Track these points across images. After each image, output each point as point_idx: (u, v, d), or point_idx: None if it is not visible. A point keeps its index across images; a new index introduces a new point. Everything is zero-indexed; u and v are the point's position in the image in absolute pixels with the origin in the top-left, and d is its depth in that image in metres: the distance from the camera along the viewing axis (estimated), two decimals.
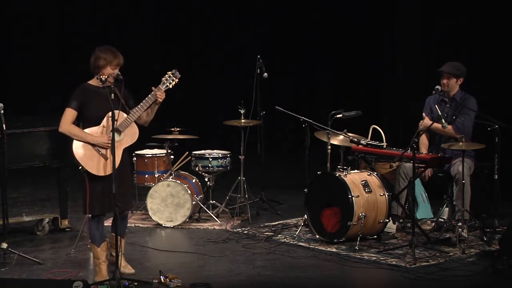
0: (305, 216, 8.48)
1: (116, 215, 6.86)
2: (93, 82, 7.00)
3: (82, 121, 7.01)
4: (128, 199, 7.14)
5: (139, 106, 6.95)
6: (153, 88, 6.97)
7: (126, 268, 7.20)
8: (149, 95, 6.96)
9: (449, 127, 8.29)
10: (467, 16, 10.65)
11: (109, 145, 6.85)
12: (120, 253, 6.95)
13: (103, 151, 6.93)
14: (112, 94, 6.81)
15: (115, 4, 13.70)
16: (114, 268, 6.87)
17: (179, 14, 13.80)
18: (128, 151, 7.14)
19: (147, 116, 7.05)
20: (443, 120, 8.14)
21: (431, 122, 8.29)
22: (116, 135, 6.85)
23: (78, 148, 6.93)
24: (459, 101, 8.48)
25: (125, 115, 6.94)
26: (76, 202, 8.89)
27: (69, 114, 6.93)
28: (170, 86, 7.01)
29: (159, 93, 6.95)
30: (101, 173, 6.92)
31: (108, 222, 8.68)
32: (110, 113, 6.83)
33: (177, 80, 7.03)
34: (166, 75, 7.03)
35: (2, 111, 7.56)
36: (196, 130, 9.70)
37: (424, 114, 8.53)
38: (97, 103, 6.92)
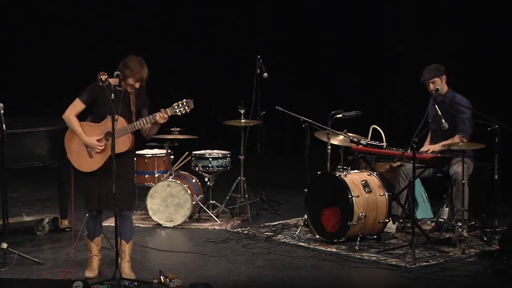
0: (305, 216, 8.48)
1: (116, 215, 6.86)
2: (112, 81, 6.97)
3: (90, 115, 7.09)
4: (125, 200, 7.01)
5: (139, 121, 6.95)
6: (161, 110, 6.92)
7: (128, 275, 7.10)
8: (152, 115, 6.94)
9: (456, 137, 8.27)
10: (468, 15, 10.64)
11: (98, 150, 6.96)
12: (120, 254, 6.94)
13: (91, 149, 7.01)
14: (113, 94, 6.81)
15: (114, 4, 13.69)
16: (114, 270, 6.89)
17: (179, 13, 13.80)
18: (131, 154, 7.21)
19: (150, 130, 7.06)
20: (443, 120, 8.14)
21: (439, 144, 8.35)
22: (106, 139, 6.96)
23: (70, 138, 7.09)
24: (452, 98, 8.47)
25: (125, 123, 6.93)
26: (76, 202, 8.87)
27: (77, 104, 7.02)
28: (179, 113, 6.95)
29: (160, 115, 6.91)
30: (82, 169, 7.04)
31: (107, 222, 8.71)
32: (111, 116, 6.87)
33: (188, 110, 6.95)
34: (180, 102, 6.94)
35: (2, 111, 7.57)
36: (196, 130, 9.69)
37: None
38: (107, 103, 6.88)
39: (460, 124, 8.35)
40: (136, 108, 7.02)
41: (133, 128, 6.95)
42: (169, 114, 6.93)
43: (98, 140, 6.98)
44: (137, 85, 6.93)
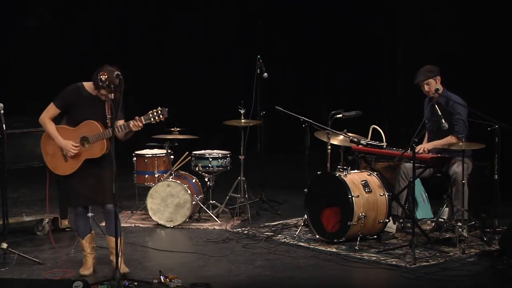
0: (305, 216, 8.48)
1: (116, 216, 6.86)
2: (88, 86, 7.01)
3: (65, 118, 7.13)
4: (107, 196, 7.01)
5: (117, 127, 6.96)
6: (136, 117, 6.94)
7: (122, 269, 7.10)
8: (127, 123, 6.95)
9: (454, 138, 8.27)
10: (468, 15, 10.64)
11: (72, 153, 7.00)
12: (120, 253, 6.95)
13: (66, 152, 7.06)
14: (112, 94, 6.81)
15: (113, 4, 13.69)
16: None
17: (178, 13, 13.79)
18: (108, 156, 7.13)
19: (124, 136, 7.09)
20: (443, 120, 8.14)
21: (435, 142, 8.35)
22: (81, 144, 6.99)
23: (45, 141, 7.18)
24: (448, 98, 8.46)
25: (101, 129, 6.96)
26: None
27: (51, 109, 7.10)
28: (152, 121, 6.97)
29: (134, 123, 6.92)
30: (57, 172, 7.15)
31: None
32: (87, 121, 6.96)
33: (162, 118, 6.95)
34: (154, 110, 6.94)
35: (2, 111, 7.58)
36: (196, 130, 9.69)
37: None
38: (82, 108, 7.00)
39: (456, 125, 8.36)
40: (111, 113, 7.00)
41: (109, 135, 6.94)
42: (144, 123, 6.95)
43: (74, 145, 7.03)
44: (110, 96, 6.91)
